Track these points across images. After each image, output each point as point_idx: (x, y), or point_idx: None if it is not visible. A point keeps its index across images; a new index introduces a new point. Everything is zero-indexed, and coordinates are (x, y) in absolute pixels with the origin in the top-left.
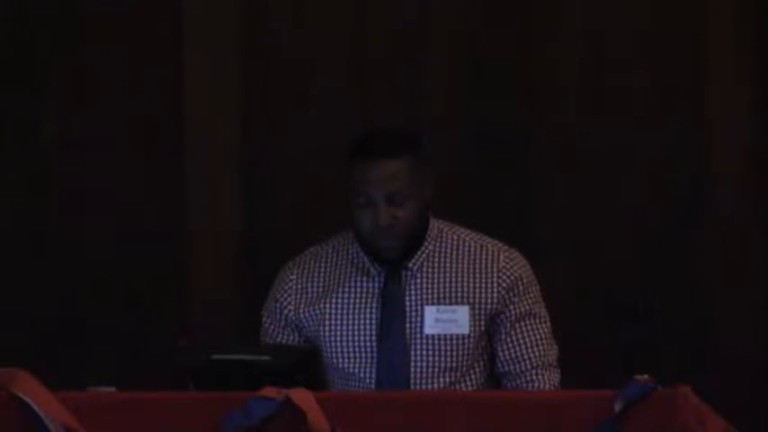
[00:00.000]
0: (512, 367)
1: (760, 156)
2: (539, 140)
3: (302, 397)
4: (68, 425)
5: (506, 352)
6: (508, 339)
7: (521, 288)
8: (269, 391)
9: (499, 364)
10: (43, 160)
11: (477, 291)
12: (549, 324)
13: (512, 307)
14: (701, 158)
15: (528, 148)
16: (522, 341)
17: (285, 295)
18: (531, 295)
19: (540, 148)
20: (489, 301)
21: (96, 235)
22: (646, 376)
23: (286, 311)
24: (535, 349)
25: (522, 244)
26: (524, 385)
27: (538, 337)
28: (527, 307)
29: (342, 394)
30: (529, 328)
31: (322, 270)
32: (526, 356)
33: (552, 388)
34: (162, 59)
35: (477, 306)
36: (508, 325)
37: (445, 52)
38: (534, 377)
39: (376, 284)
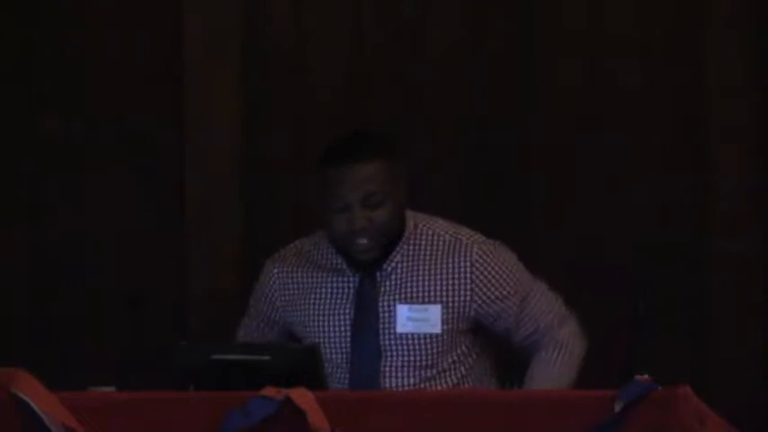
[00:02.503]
0: (535, 337)
1: (760, 156)
2: (539, 140)
3: (302, 397)
4: (68, 425)
5: (524, 329)
6: (521, 325)
7: (500, 280)
8: (269, 391)
9: (519, 340)
10: (43, 159)
11: (450, 289)
12: (545, 286)
13: (507, 302)
14: (700, 159)
15: (528, 148)
16: (534, 317)
17: (267, 291)
18: (516, 280)
19: (540, 147)
20: (462, 297)
21: (96, 235)
22: (646, 376)
23: (266, 307)
24: (547, 315)
25: (522, 244)
26: (549, 344)
27: (544, 305)
28: (524, 290)
29: (342, 394)
30: (534, 304)
31: (302, 268)
32: (542, 324)
33: (574, 332)
34: (162, 59)
35: (449, 304)
36: (513, 316)
37: (445, 52)
38: (556, 335)
39: (351, 285)
